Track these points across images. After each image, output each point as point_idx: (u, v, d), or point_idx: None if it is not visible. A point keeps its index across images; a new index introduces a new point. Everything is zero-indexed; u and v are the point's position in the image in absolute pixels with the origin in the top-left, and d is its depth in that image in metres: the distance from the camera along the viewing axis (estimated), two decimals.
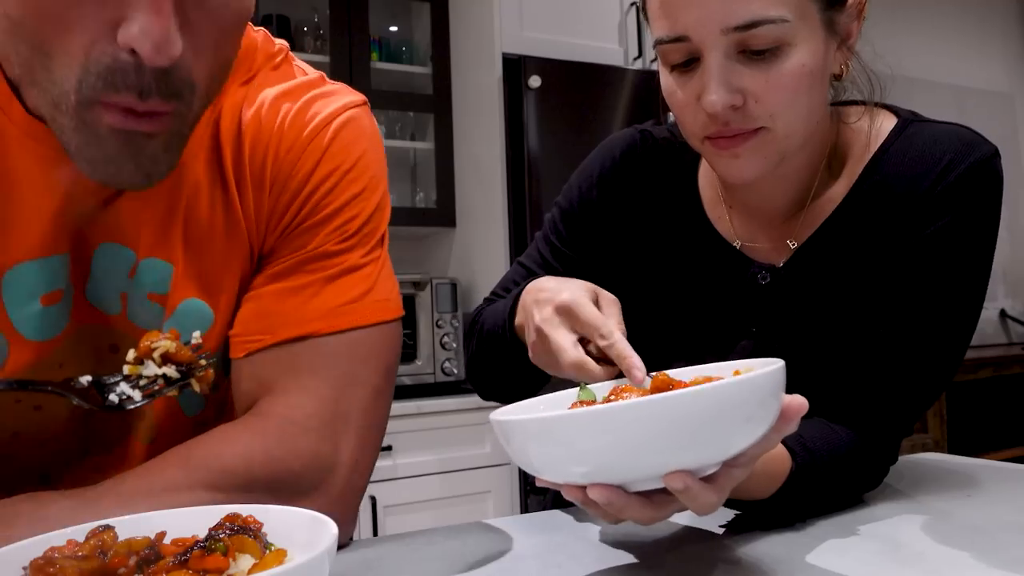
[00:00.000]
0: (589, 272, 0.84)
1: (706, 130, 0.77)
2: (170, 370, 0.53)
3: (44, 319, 0.69)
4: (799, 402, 0.54)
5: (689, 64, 0.76)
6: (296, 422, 0.69)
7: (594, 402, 0.63)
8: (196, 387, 0.54)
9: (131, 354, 0.52)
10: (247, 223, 0.73)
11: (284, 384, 0.70)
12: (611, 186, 0.94)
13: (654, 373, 0.62)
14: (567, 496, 0.54)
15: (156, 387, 0.53)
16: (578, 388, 0.68)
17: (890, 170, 0.81)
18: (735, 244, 0.88)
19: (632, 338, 0.68)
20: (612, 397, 0.60)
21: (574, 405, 0.63)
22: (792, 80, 0.73)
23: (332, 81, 0.80)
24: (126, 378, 0.53)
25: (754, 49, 0.72)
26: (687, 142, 0.83)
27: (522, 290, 0.80)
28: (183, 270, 0.71)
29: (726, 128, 0.75)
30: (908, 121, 0.83)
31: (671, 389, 0.58)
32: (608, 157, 0.95)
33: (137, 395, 0.53)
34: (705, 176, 0.93)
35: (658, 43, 0.76)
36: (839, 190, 0.84)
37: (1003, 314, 4.13)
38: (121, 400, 0.52)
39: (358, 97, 0.80)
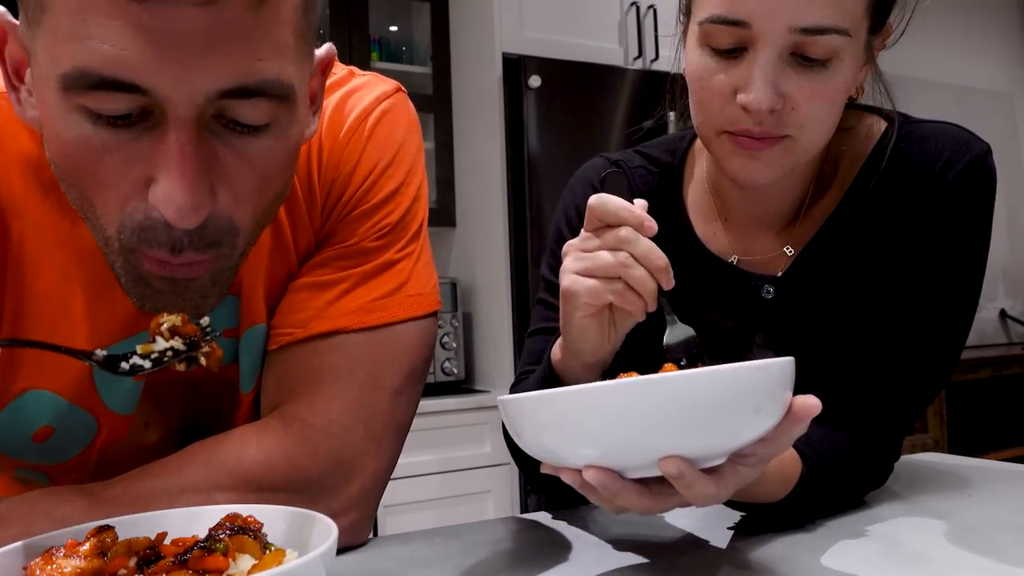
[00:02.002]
0: None
1: (732, 125, 0.74)
2: (177, 343, 0.56)
3: (134, 391, 0.72)
4: (812, 402, 0.54)
5: (734, 52, 0.72)
6: (317, 427, 0.69)
7: None
8: (203, 361, 0.57)
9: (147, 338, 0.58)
10: (301, 238, 0.74)
11: (308, 387, 0.71)
12: None
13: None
14: (564, 479, 0.54)
15: (166, 359, 0.57)
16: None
17: (885, 172, 0.81)
18: (731, 260, 0.87)
19: (639, 364, 0.68)
20: (619, 376, 0.59)
21: None
22: (832, 95, 0.72)
23: (362, 72, 0.79)
24: (142, 355, 0.57)
25: (807, 55, 0.70)
26: (699, 132, 0.79)
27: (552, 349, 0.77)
28: (246, 299, 0.73)
29: (755, 128, 0.72)
30: (899, 123, 0.83)
31: None
32: (587, 189, 0.92)
33: (147, 364, 0.56)
34: (695, 193, 0.90)
35: (709, 21, 0.72)
36: (834, 195, 0.84)
37: (1003, 314, 4.12)
38: (132, 367, 0.56)
39: (390, 86, 0.79)
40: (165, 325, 0.56)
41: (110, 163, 0.52)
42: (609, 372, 0.74)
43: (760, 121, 0.72)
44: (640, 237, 0.64)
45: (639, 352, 0.72)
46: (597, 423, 0.50)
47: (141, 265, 0.57)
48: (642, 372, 0.65)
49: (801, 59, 0.71)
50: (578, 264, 0.66)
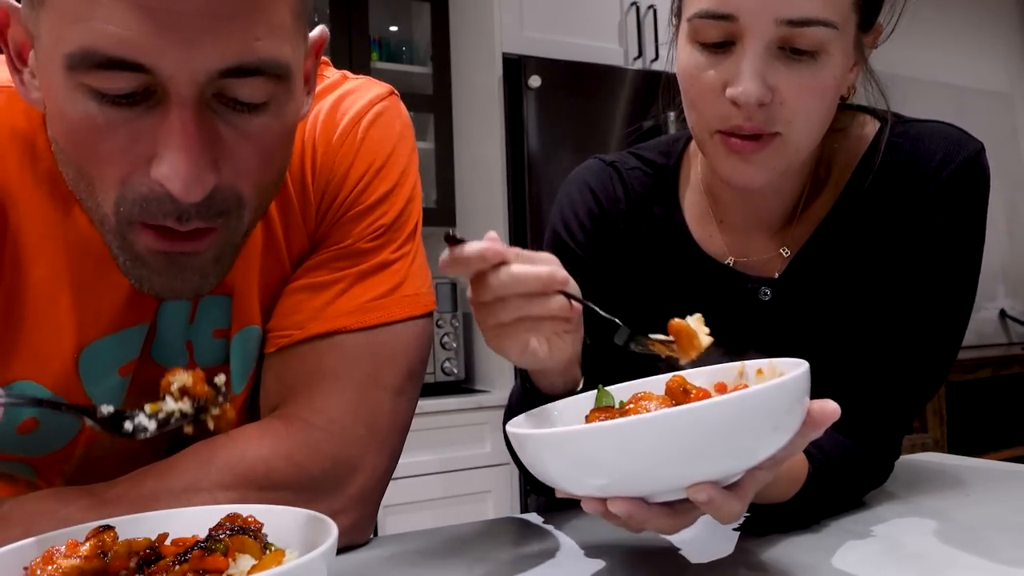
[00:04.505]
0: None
1: (723, 123, 0.74)
2: (184, 405, 0.55)
3: (120, 387, 0.71)
4: (831, 408, 0.54)
5: (723, 46, 0.73)
6: (318, 426, 0.69)
7: (612, 407, 0.62)
8: (211, 424, 0.55)
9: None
10: (294, 240, 0.74)
11: (308, 387, 0.71)
12: (594, 222, 0.90)
13: (672, 374, 0.61)
14: (587, 509, 0.54)
15: (172, 421, 0.55)
16: (596, 390, 0.66)
17: (879, 173, 0.81)
18: (727, 262, 0.86)
19: (637, 365, 0.68)
20: (631, 405, 0.58)
21: (592, 412, 0.61)
22: (821, 89, 0.72)
23: (355, 76, 0.80)
24: (148, 415, 0.55)
25: (796, 47, 0.70)
26: (693, 133, 0.79)
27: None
28: (239, 299, 0.73)
29: (745, 124, 0.72)
30: (892, 123, 0.83)
31: (686, 392, 0.58)
32: (584, 192, 0.92)
33: (152, 425, 0.54)
34: (691, 195, 0.90)
35: (697, 16, 0.72)
36: (828, 196, 0.84)
37: (1003, 314, 4.12)
38: (135, 429, 0.54)
39: (384, 89, 0.79)
40: (175, 385, 0.55)
41: (114, 140, 0.53)
42: (588, 364, 0.73)
43: (750, 116, 0.72)
44: (504, 272, 0.61)
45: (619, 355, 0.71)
46: (611, 458, 0.49)
47: (139, 243, 0.57)
48: (636, 376, 0.65)
49: (790, 52, 0.71)
50: (482, 327, 0.65)
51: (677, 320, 0.61)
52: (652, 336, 0.63)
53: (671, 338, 0.62)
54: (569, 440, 0.51)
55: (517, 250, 0.63)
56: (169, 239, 0.57)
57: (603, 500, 0.52)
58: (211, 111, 0.54)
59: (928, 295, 0.79)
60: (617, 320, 0.64)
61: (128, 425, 0.54)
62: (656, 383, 0.64)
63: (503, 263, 0.61)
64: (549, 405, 0.66)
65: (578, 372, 0.73)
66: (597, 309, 0.64)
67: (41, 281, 0.65)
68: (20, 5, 0.56)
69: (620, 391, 0.65)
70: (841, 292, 0.82)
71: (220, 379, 0.56)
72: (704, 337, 0.61)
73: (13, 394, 0.57)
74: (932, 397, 0.83)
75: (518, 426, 0.59)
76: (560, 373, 0.71)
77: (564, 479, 0.53)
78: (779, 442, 0.52)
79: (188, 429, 0.55)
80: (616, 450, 0.49)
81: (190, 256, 0.58)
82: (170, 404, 0.55)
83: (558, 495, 0.55)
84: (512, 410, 0.81)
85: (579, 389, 0.71)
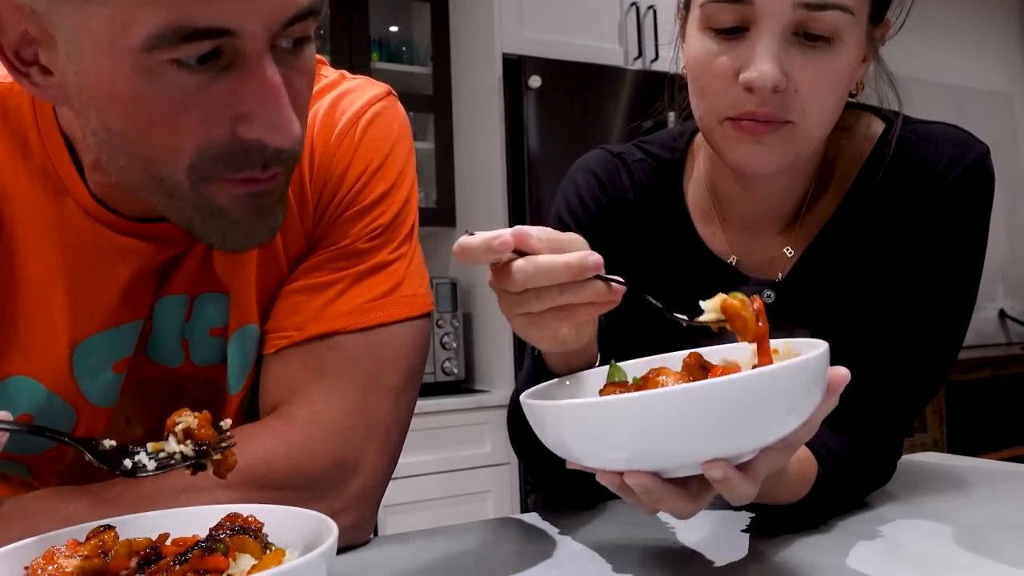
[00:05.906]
0: None
1: (735, 109, 0.73)
2: (186, 448, 0.54)
3: (114, 384, 0.71)
4: (841, 374, 0.54)
5: (735, 32, 0.72)
6: (319, 427, 0.69)
7: (624, 382, 0.62)
8: (210, 469, 0.54)
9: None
10: (291, 240, 0.74)
11: (308, 387, 0.71)
12: (600, 209, 0.90)
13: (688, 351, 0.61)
14: (602, 481, 0.54)
15: (172, 462, 0.53)
16: (608, 366, 0.66)
17: (885, 174, 0.81)
18: (730, 261, 0.86)
19: (648, 344, 0.67)
20: (650, 375, 0.57)
21: (606, 387, 0.61)
22: (835, 77, 0.72)
23: (352, 76, 0.80)
24: (149, 454, 0.54)
25: (811, 33, 0.70)
26: (700, 123, 0.78)
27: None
28: (236, 298, 0.73)
29: (758, 110, 0.71)
30: (897, 123, 0.83)
31: (704, 369, 0.58)
32: (590, 179, 0.91)
33: (152, 465, 0.53)
34: (694, 191, 0.90)
35: (711, 1, 0.72)
36: (833, 195, 0.84)
37: (1002, 314, 4.12)
38: (135, 467, 0.53)
39: (382, 89, 0.79)
40: (180, 426, 0.54)
41: (194, 108, 0.54)
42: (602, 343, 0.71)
43: (764, 101, 0.71)
44: (529, 263, 0.56)
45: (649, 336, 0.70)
46: (629, 431, 0.49)
47: (219, 196, 0.58)
48: (669, 349, 0.65)
49: (804, 38, 0.71)
50: (508, 315, 0.61)
51: (732, 304, 0.58)
52: (702, 320, 0.60)
53: (723, 319, 0.60)
54: (590, 411, 0.51)
55: (541, 231, 0.58)
56: (253, 181, 0.59)
57: (619, 473, 0.52)
58: (279, 63, 0.56)
59: (931, 297, 0.79)
60: (658, 304, 0.60)
61: (128, 463, 0.53)
62: (672, 360, 0.63)
63: (526, 252, 0.57)
64: (556, 381, 0.65)
65: (595, 351, 0.71)
66: (650, 298, 0.60)
67: (35, 276, 0.65)
68: (25, 3, 0.55)
69: (633, 367, 0.65)
70: (844, 294, 0.82)
71: (226, 423, 0.55)
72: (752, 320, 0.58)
73: (10, 422, 0.55)
74: (932, 399, 0.83)
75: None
76: (580, 353, 0.69)
77: (581, 451, 0.53)
78: (800, 419, 0.52)
79: (187, 472, 0.54)
80: (638, 422, 0.49)
81: (266, 196, 0.60)
82: (172, 445, 0.53)
83: (569, 466, 0.55)
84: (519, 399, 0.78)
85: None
